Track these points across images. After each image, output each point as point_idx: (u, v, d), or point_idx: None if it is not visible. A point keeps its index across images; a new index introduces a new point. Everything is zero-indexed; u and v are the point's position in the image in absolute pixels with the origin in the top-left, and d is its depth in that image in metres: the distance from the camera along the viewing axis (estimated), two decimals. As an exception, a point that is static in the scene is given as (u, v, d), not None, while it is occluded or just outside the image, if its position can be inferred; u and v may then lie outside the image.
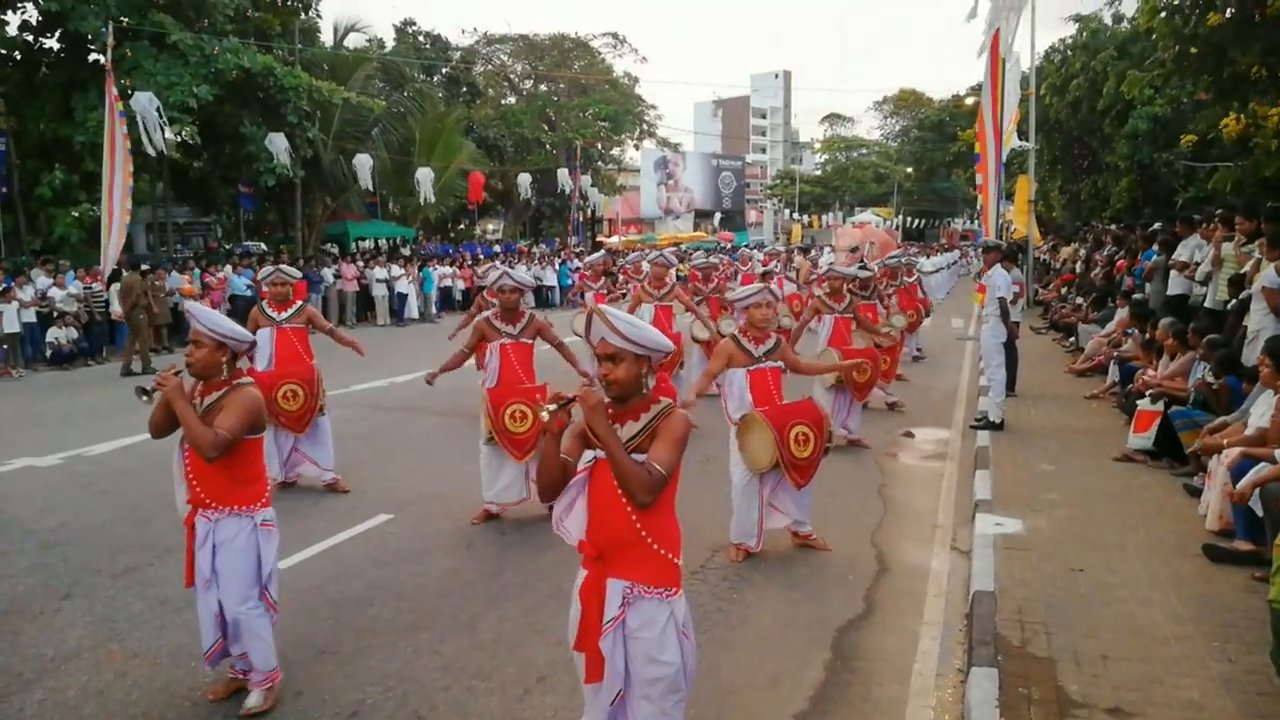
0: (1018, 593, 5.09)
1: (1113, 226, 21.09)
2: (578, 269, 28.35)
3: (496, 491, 6.46)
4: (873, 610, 5.10)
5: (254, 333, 7.27)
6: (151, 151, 17.69)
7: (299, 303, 7.53)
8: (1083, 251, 20.39)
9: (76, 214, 19.23)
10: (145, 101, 17.11)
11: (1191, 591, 5.10)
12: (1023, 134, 22.04)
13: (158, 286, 16.70)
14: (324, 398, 7.31)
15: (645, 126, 48.66)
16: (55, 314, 15.29)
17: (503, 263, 25.81)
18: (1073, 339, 15.21)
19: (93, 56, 19.78)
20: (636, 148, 53.58)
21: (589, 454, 2.99)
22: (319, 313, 7.72)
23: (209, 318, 3.86)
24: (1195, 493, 6.73)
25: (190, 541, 3.94)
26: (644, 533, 2.93)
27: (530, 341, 6.58)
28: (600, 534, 2.96)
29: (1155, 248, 12.77)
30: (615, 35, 47.51)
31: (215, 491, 3.86)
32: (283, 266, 7.87)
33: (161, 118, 17.63)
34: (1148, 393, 8.33)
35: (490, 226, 46.18)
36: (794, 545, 6.01)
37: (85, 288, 16.08)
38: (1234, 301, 8.96)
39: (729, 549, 5.82)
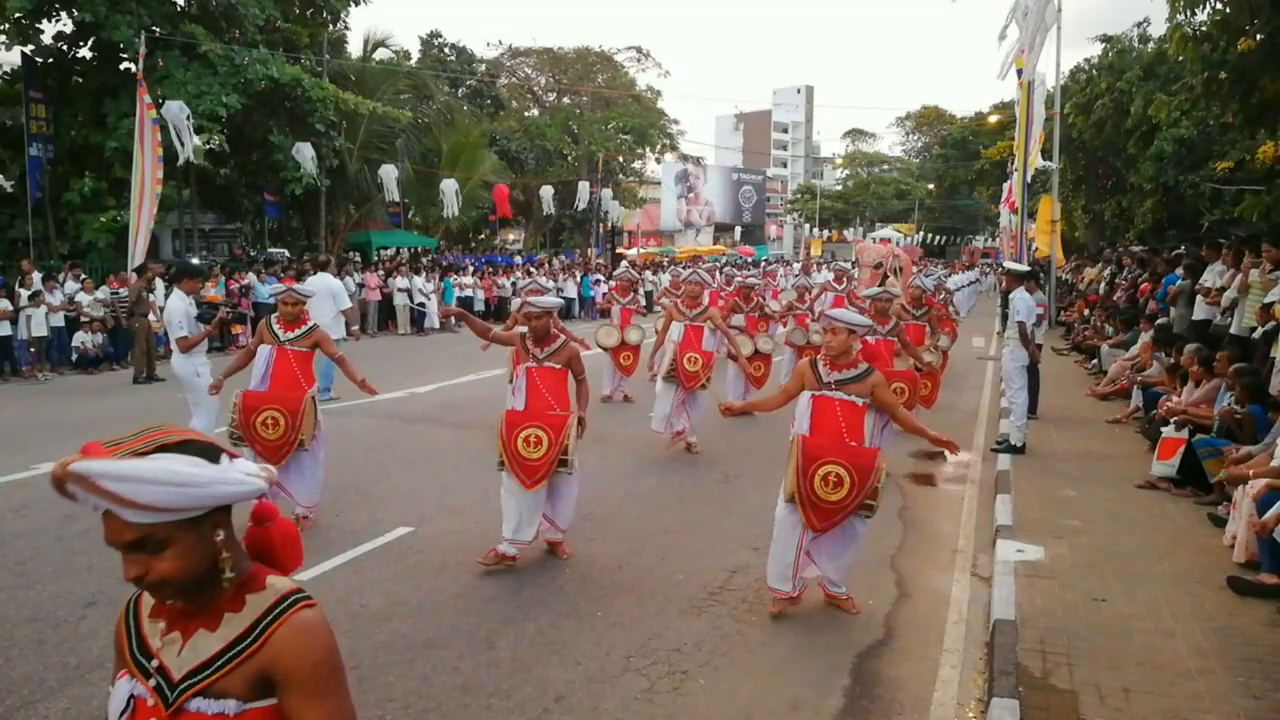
0: (1039, 622, 5.06)
1: (1136, 248, 20.94)
2: (599, 281, 28.40)
3: (515, 528, 5.89)
4: (892, 636, 5.07)
5: (256, 348, 6.83)
6: (182, 159, 17.92)
7: (309, 324, 6.90)
8: (1107, 272, 20.26)
9: (105, 220, 19.51)
10: (176, 110, 17.34)
11: (1215, 624, 5.05)
12: (1046, 154, 21.95)
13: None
14: (312, 431, 6.61)
15: (667, 140, 48.85)
16: (82, 319, 15.50)
17: (525, 275, 26.14)
18: (1095, 361, 15.10)
19: (124, 65, 20.11)
20: (658, 161, 53.84)
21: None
22: (329, 338, 7.09)
23: None
24: (1220, 523, 6.67)
25: None
26: None
27: (559, 368, 6.08)
28: None
29: (1179, 271, 12.68)
30: (639, 49, 47.99)
31: None
32: (295, 286, 7.38)
33: (189, 125, 17.85)
34: (1172, 420, 8.26)
35: (511, 237, 46.47)
36: (824, 602, 5.49)
37: (113, 292, 16.26)
38: (1260, 330, 8.89)
39: (767, 600, 5.36)
